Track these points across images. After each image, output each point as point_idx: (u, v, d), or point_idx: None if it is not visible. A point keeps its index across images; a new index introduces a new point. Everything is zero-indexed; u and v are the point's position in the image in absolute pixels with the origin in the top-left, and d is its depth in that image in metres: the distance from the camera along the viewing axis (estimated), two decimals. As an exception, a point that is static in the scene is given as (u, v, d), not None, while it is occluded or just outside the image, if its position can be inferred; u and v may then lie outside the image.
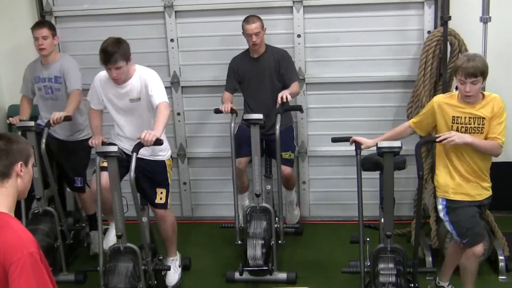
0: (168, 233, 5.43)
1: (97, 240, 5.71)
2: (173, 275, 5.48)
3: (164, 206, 5.28)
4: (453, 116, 4.56)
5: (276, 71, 5.91)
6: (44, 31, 5.70)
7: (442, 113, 4.61)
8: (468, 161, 4.60)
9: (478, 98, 4.54)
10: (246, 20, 5.78)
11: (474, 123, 4.53)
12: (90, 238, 6.09)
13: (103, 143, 5.08)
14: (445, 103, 4.61)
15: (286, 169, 5.96)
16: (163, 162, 5.27)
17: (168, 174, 5.30)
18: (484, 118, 4.52)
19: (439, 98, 4.74)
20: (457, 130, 4.54)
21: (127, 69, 4.99)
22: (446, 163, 4.68)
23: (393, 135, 4.96)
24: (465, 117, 4.54)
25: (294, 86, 5.89)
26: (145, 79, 5.06)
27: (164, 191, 5.25)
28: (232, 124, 5.65)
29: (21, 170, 2.88)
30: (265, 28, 5.85)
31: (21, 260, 2.66)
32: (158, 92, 5.04)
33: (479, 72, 4.37)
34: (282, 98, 5.61)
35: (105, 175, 4.99)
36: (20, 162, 2.88)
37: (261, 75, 5.94)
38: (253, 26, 5.74)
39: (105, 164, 4.94)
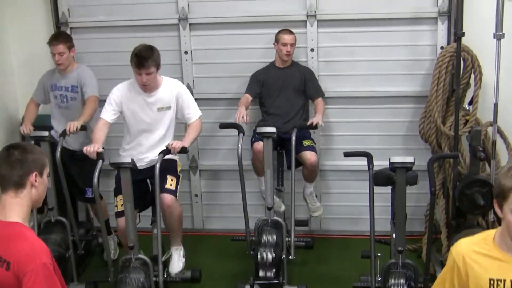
0: (175, 224, 5.37)
1: (112, 246, 5.77)
2: (177, 262, 5.44)
3: (173, 192, 5.24)
4: (490, 279, 2.89)
5: (301, 84, 6.13)
6: (60, 48, 5.76)
7: (470, 272, 2.94)
8: None
9: None
10: (283, 31, 6.04)
11: None
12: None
13: (98, 154, 5.03)
14: (475, 251, 2.96)
15: (312, 156, 5.96)
16: (174, 161, 5.36)
17: (178, 170, 5.39)
18: None
19: (462, 246, 3.02)
20: None
21: (156, 77, 5.10)
22: None
23: None
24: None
25: (321, 104, 6.10)
26: (178, 91, 5.24)
27: (174, 178, 5.28)
28: (240, 145, 5.56)
29: (35, 180, 2.90)
30: (296, 44, 6.10)
31: (35, 271, 2.69)
32: (194, 107, 5.33)
33: None
34: (315, 123, 5.84)
35: (121, 221, 5.06)
36: (35, 173, 2.90)
37: (285, 83, 6.12)
38: (291, 37, 6.02)
39: (122, 208, 5.01)
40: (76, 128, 5.53)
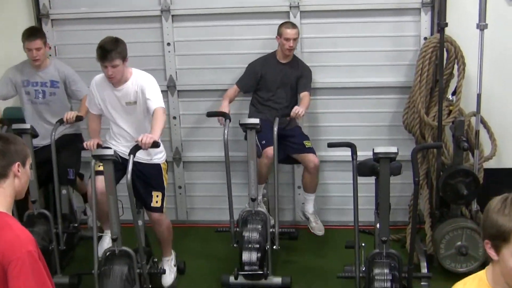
0: (163, 235, 5.42)
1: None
2: (169, 275, 5.46)
3: (159, 209, 5.26)
4: None
5: (297, 79, 6.08)
6: (38, 43, 5.69)
7: None
8: None
9: None
10: (286, 25, 5.93)
11: None
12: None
13: (99, 146, 5.09)
14: None
15: (315, 158, 5.99)
16: (158, 165, 5.27)
17: (164, 178, 5.31)
18: None
19: None
20: None
21: (123, 69, 5.01)
22: None
23: None
24: None
25: (307, 98, 6.01)
26: (142, 83, 5.06)
27: (160, 194, 5.24)
28: (226, 130, 5.59)
29: (18, 171, 2.89)
30: (300, 37, 6.04)
31: (20, 259, 2.67)
32: (155, 97, 5.05)
33: None
34: (297, 114, 5.77)
35: (100, 179, 4.99)
36: (18, 163, 2.89)
37: (286, 80, 6.06)
38: (294, 31, 5.90)
39: (100, 168, 4.95)
40: (72, 117, 5.55)
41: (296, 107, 5.82)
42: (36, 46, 5.69)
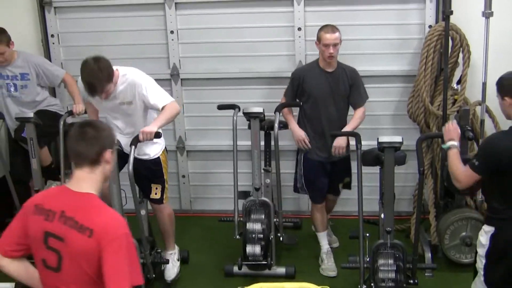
0: (165, 224, 5.39)
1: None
2: (172, 269, 5.45)
3: (159, 201, 5.25)
4: None
5: (347, 89, 5.48)
6: (3, 48, 5.71)
7: None
8: None
9: None
10: (325, 29, 5.30)
11: None
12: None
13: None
14: None
15: (330, 196, 5.81)
16: (157, 159, 5.21)
17: (164, 170, 5.24)
18: None
19: None
20: None
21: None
22: None
23: None
24: None
25: (358, 114, 5.54)
26: (135, 87, 4.85)
27: (159, 187, 5.21)
28: (235, 117, 5.58)
29: (108, 157, 3.02)
30: (342, 41, 5.40)
31: (119, 239, 2.83)
32: (157, 97, 4.89)
33: None
34: (337, 153, 5.41)
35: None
36: (109, 149, 3.01)
37: (334, 92, 5.44)
38: (334, 36, 5.26)
39: None
40: (82, 110, 5.59)
41: (337, 142, 5.38)
42: (2, 51, 5.71)
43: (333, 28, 5.29)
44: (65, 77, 5.92)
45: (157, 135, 4.79)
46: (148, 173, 5.15)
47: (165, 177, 5.25)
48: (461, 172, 3.99)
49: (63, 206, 2.92)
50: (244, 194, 5.69)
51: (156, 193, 5.20)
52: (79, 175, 2.98)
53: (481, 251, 3.96)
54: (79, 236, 2.83)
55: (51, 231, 2.90)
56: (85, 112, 5.56)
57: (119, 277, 2.79)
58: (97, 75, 4.56)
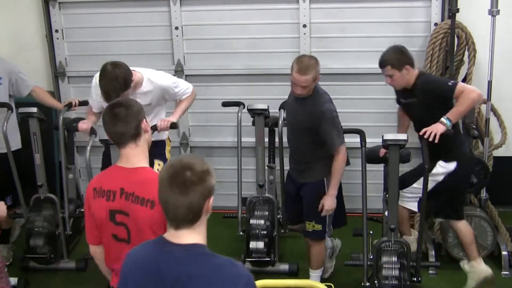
0: None
1: None
2: None
3: None
4: None
5: (314, 123, 4.74)
6: None
7: None
8: None
9: None
10: (297, 67, 4.60)
11: None
12: None
13: (91, 130, 5.18)
14: None
15: (308, 241, 5.16)
16: (163, 141, 5.30)
17: (166, 151, 5.34)
18: None
19: None
20: None
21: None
22: None
23: None
24: None
25: (336, 164, 4.81)
26: (162, 90, 4.97)
27: (161, 163, 5.20)
28: (239, 114, 5.63)
29: (146, 125, 3.23)
30: (318, 78, 4.72)
31: None
32: (183, 91, 5.11)
33: None
34: (324, 208, 4.88)
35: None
36: (144, 119, 3.22)
37: (297, 120, 4.92)
38: (303, 79, 4.59)
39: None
40: (76, 103, 5.70)
41: (326, 203, 4.85)
42: None
43: (305, 70, 4.58)
44: (34, 89, 5.81)
45: (173, 125, 4.98)
46: (152, 149, 5.10)
47: (167, 157, 5.30)
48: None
49: (122, 184, 3.13)
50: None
51: (158, 169, 5.17)
52: (126, 152, 3.18)
53: None
54: (142, 209, 3.06)
55: (116, 208, 3.13)
56: (81, 104, 5.63)
57: None
58: (114, 85, 4.46)
